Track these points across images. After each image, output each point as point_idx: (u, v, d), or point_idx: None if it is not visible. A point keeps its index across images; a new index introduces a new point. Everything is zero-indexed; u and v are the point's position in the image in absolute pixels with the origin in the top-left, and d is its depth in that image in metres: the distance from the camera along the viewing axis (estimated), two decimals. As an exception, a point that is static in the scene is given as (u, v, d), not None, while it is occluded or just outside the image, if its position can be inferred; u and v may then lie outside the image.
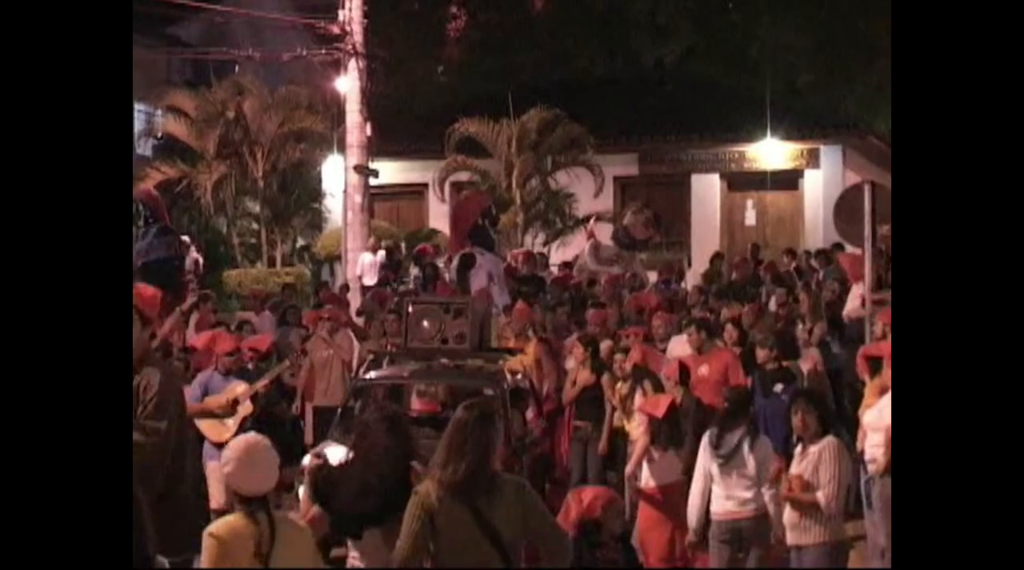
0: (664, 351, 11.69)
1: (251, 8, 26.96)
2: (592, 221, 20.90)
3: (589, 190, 23.35)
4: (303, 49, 24.27)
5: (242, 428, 9.44)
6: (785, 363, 10.51)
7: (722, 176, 25.99)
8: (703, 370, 10.58)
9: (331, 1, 23.00)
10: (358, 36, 22.34)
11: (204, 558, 4.92)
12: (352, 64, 22.49)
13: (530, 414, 11.16)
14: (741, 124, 24.89)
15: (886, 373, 8.26)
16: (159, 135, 27.48)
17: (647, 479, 8.90)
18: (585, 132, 23.11)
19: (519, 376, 10.88)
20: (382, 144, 23.90)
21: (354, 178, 22.55)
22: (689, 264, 23.04)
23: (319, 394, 12.68)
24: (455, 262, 16.71)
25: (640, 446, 8.93)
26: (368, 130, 22.69)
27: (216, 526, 4.98)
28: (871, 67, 27.89)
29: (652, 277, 18.67)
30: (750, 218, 25.85)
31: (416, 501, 5.18)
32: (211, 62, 27.07)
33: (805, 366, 10.86)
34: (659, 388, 9.99)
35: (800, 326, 11.49)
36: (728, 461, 7.89)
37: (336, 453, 9.45)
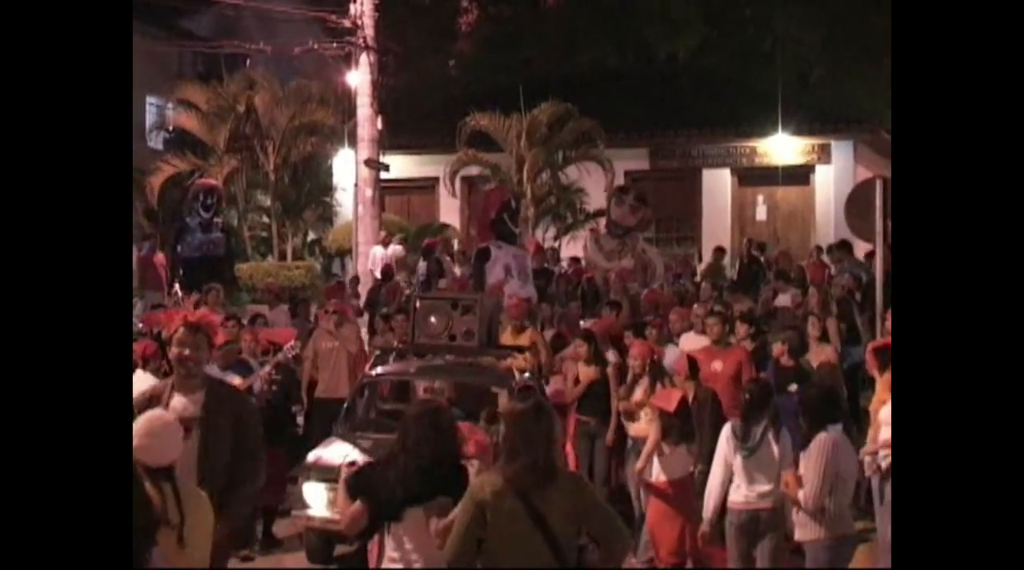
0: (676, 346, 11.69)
1: (263, 1, 26.93)
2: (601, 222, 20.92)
3: (599, 185, 23.29)
4: (314, 43, 24.30)
5: None
6: (799, 361, 10.52)
7: (733, 171, 25.98)
8: (716, 365, 10.58)
9: (342, -5, 23.05)
10: (369, 30, 22.35)
11: None
12: (363, 58, 22.52)
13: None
14: (752, 119, 24.90)
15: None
16: (170, 128, 27.60)
17: (658, 473, 8.91)
18: (596, 126, 23.05)
19: (527, 375, 10.71)
20: (393, 138, 23.93)
21: (365, 172, 22.57)
22: (700, 259, 22.99)
23: (322, 386, 12.54)
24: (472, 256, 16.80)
25: (651, 441, 8.94)
26: (379, 124, 22.72)
27: None
28: (883, 62, 27.80)
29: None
30: (761, 213, 25.82)
31: (468, 495, 5.16)
32: (222, 55, 27.04)
33: (814, 361, 10.86)
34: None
35: (810, 322, 11.45)
36: (753, 453, 7.91)
37: (340, 450, 9.51)
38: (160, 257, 21.01)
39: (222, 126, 24.68)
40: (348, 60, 23.33)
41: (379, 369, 11.11)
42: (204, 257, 18.66)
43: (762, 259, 19.66)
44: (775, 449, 7.90)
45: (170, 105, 28.54)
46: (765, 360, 10.90)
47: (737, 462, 7.97)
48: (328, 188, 26.65)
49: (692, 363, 9.92)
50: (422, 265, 19.27)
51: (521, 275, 16.20)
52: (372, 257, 21.35)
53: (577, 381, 11.15)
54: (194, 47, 29.66)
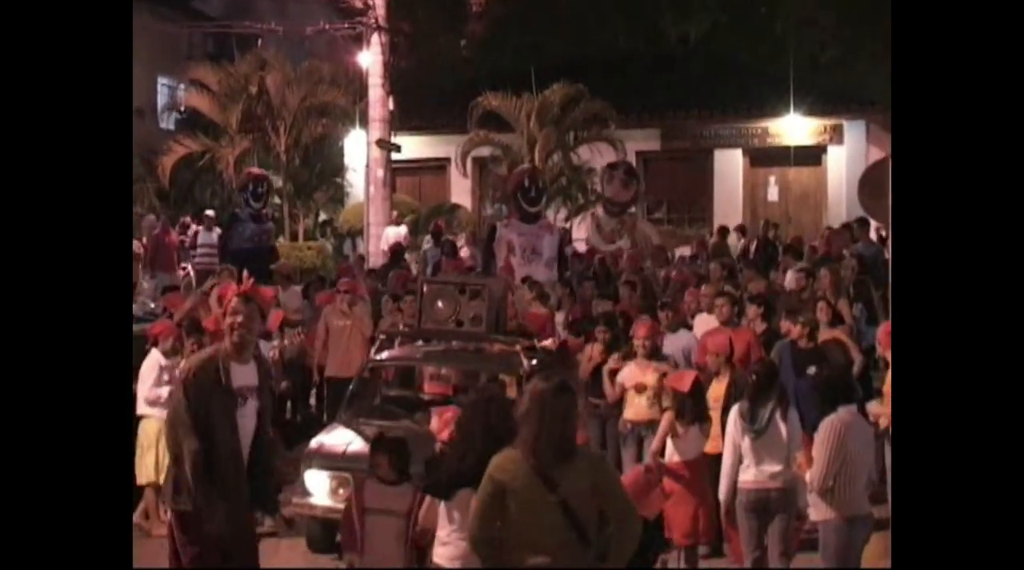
0: (690, 328, 11.68)
1: (274, -18, 27.00)
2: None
3: (611, 166, 23.30)
4: (326, 23, 24.31)
5: None
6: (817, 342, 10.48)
7: (745, 152, 25.95)
8: (711, 347, 10.48)
9: (354, -25, 23.01)
10: (381, 10, 22.31)
11: None
12: (375, 38, 22.48)
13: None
14: (764, 100, 24.88)
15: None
16: (182, 109, 27.64)
17: (671, 454, 8.92)
18: (608, 107, 23.02)
19: (534, 362, 10.35)
20: (404, 118, 23.93)
21: (376, 152, 22.57)
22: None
23: (334, 365, 12.46)
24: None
25: (665, 421, 8.95)
26: (390, 104, 22.72)
27: None
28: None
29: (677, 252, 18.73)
30: (773, 194, 25.78)
31: (487, 473, 5.21)
32: (234, 36, 27.12)
33: (820, 339, 10.80)
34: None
35: (819, 306, 11.41)
36: (760, 435, 7.91)
37: (343, 437, 9.35)
38: (173, 237, 21.07)
39: (234, 107, 24.67)
40: (359, 41, 23.30)
41: (384, 354, 10.88)
42: (255, 248, 18.00)
43: (776, 242, 19.66)
44: (783, 430, 7.91)
45: (182, 86, 28.60)
46: (774, 341, 10.85)
47: (745, 444, 7.98)
48: (339, 169, 26.69)
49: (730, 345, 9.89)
50: (433, 248, 19.25)
51: (529, 254, 16.12)
52: (385, 237, 21.35)
53: (590, 359, 11.07)
54: (205, 28, 29.68)
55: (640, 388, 9.94)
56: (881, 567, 8.16)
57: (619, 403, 10.22)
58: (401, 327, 11.73)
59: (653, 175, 26.00)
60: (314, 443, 9.49)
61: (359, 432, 9.37)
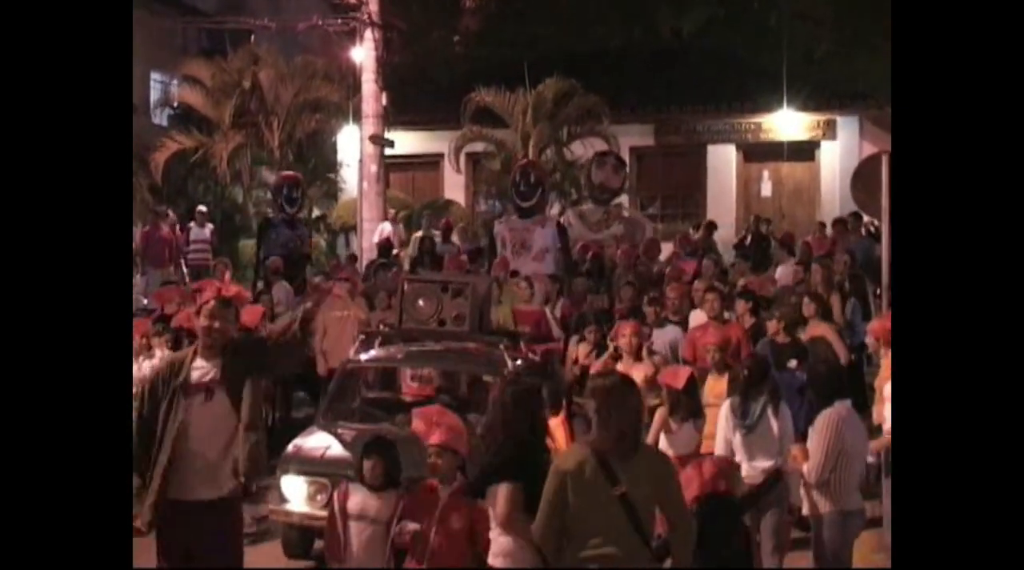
0: (678, 323, 11.68)
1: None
2: None
3: (604, 160, 23.28)
4: (319, 18, 24.28)
5: None
6: (796, 336, 10.50)
7: (738, 147, 25.97)
8: (711, 340, 10.51)
9: (347, -30, 22.99)
10: (374, 5, 22.28)
11: None
12: (368, 34, 22.45)
13: None
14: (757, 95, 24.90)
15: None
16: (175, 104, 27.56)
17: (665, 450, 8.93)
18: (601, 102, 23.07)
19: (519, 362, 10.19)
20: (398, 114, 23.91)
21: (370, 148, 22.55)
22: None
23: (333, 358, 12.16)
24: None
25: (659, 417, 8.96)
26: (384, 100, 22.69)
27: None
28: (889, 38, 27.65)
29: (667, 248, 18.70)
30: (766, 189, 25.84)
31: (552, 468, 5.33)
32: (227, 31, 27.10)
33: (806, 336, 10.80)
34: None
35: (804, 302, 11.40)
36: (752, 430, 7.95)
37: (321, 440, 9.07)
38: (166, 232, 21.01)
39: (227, 102, 24.73)
40: (353, 36, 23.30)
41: (364, 355, 10.48)
42: (290, 254, 17.41)
43: (770, 237, 19.68)
44: (774, 425, 7.94)
45: (175, 81, 28.52)
46: (761, 336, 10.85)
47: (737, 439, 8.01)
48: (333, 164, 26.67)
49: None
50: (442, 244, 19.10)
51: (518, 248, 16.12)
52: (380, 232, 21.35)
53: (577, 363, 11.04)
54: (199, 23, 29.56)
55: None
56: (870, 564, 8.22)
57: None
58: (381, 327, 11.32)
59: (647, 170, 26.02)
60: (291, 447, 9.13)
61: (337, 436, 9.13)
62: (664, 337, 11.14)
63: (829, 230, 18.26)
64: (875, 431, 8.78)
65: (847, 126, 24.92)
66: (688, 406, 8.84)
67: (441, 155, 25.19)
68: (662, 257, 17.23)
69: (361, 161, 22.90)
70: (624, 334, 10.13)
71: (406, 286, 10.56)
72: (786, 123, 25.03)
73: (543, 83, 23.21)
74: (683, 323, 11.76)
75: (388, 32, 23.12)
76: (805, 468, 7.32)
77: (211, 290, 6.51)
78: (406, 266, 17.52)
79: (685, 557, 5.37)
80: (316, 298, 6.37)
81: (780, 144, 25.03)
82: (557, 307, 13.29)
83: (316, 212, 26.70)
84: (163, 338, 10.43)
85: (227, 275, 14.28)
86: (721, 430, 8.14)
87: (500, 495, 5.76)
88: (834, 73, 28.06)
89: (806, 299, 11.31)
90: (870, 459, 8.78)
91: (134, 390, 6.35)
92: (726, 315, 11.28)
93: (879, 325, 9.45)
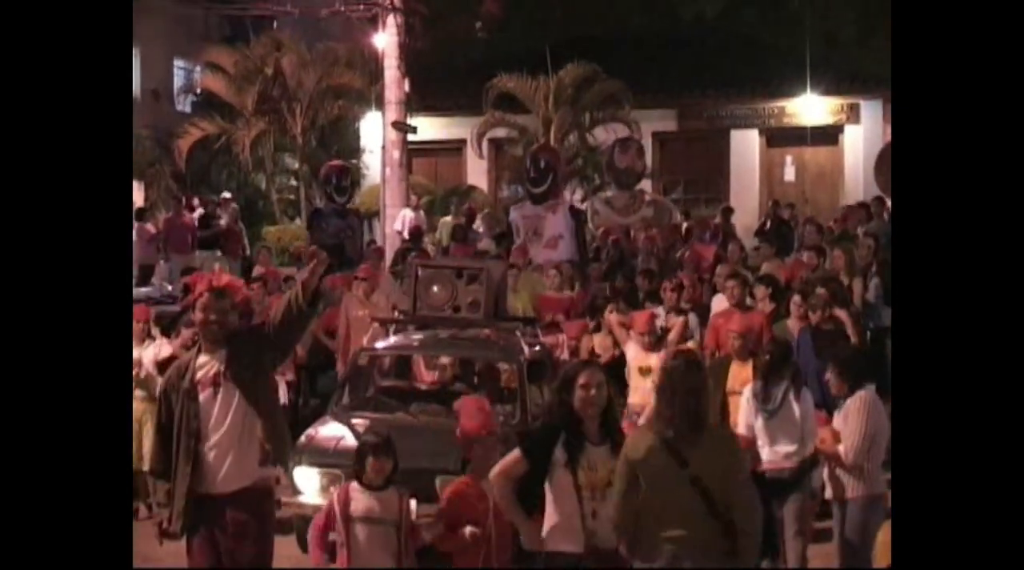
0: (694, 309, 11.68)
1: (289, -37, 26.91)
2: None
3: (627, 146, 23.27)
4: (341, 5, 24.23)
5: None
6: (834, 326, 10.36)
7: (761, 132, 25.96)
8: (735, 327, 10.49)
9: (369, -44, 23.00)
10: (395, -9, 22.30)
11: None
12: (390, 20, 22.42)
13: None
14: (780, 79, 24.91)
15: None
16: (198, 91, 27.73)
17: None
18: (623, 88, 23.06)
19: (536, 348, 10.12)
20: (420, 100, 23.88)
21: (392, 134, 22.56)
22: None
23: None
24: None
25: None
26: (406, 86, 22.67)
27: None
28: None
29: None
30: (789, 174, 25.84)
31: (622, 457, 5.34)
32: (249, 18, 27.13)
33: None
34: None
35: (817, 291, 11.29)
36: (774, 415, 7.92)
37: (334, 430, 8.93)
38: (187, 218, 21.10)
39: (249, 89, 24.90)
40: (375, 22, 23.26)
41: (378, 343, 10.38)
42: (341, 245, 17.20)
43: (793, 221, 19.59)
44: (796, 409, 7.91)
45: (198, 68, 28.67)
46: (780, 321, 10.71)
47: (759, 424, 8.00)
48: (355, 151, 26.76)
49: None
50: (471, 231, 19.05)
51: (531, 235, 16.05)
52: (401, 219, 21.39)
53: (591, 352, 10.91)
54: (221, 10, 29.60)
55: (645, 371, 9.89)
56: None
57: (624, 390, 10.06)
58: (396, 314, 11.19)
59: (669, 155, 26.02)
60: (304, 438, 8.97)
61: (351, 426, 8.97)
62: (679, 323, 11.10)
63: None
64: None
65: (871, 110, 24.83)
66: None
67: (463, 141, 25.33)
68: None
69: (384, 147, 22.91)
70: (639, 329, 10.13)
71: (420, 272, 10.35)
72: (809, 108, 25.00)
73: (564, 69, 23.23)
74: (700, 309, 11.76)
75: (410, 18, 23.09)
76: (841, 451, 7.32)
77: (203, 283, 6.39)
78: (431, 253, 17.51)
79: (753, 548, 5.38)
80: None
81: (803, 129, 24.99)
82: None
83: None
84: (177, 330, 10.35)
85: (266, 257, 14.35)
86: (743, 414, 8.14)
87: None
88: (858, 57, 27.93)
89: (819, 289, 11.21)
90: None
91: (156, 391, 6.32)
92: (748, 302, 11.22)
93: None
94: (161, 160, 25.44)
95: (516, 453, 5.68)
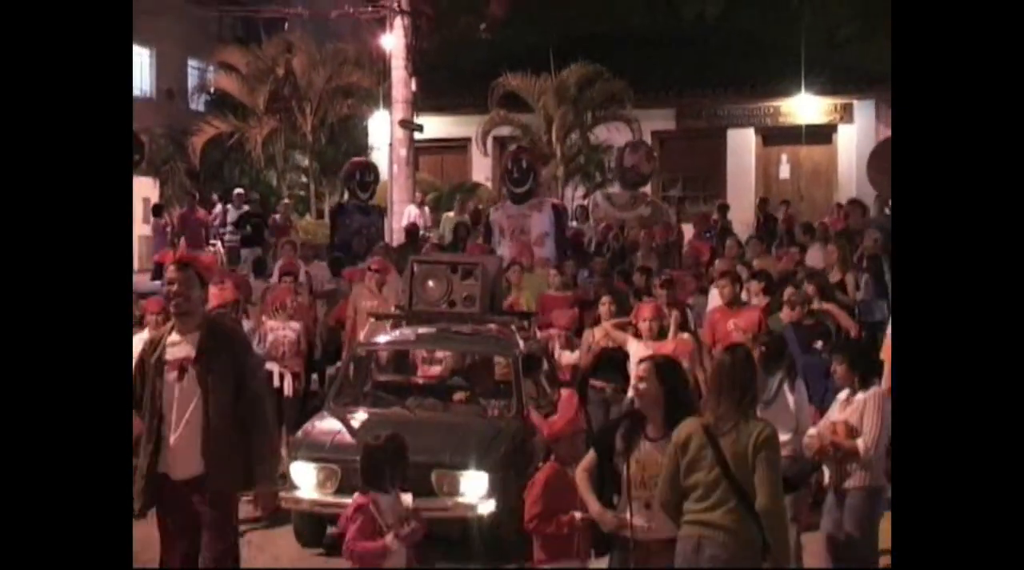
0: (690, 305, 11.81)
1: (299, -33, 27.45)
2: None
3: (627, 144, 23.64)
4: (350, 7, 24.70)
5: None
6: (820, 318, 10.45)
7: (757, 131, 26.31)
8: (731, 324, 10.54)
9: (377, -40, 23.44)
10: (403, -7, 22.75)
11: None
12: (398, 21, 22.83)
13: None
14: (776, 79, 25.14)
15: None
16: (211, 90, 28.18)
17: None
18: (624, 87, 23.28)
19: (531, 343, 10.02)
20: (426, 99, 24.29)
21: (399, 132, 22.94)
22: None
23: None
24: None
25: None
26: (413, 85, 23.03)
27: None
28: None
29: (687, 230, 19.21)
30: (784, 172, 26.13)
31: (671, 444, 5.52)
32: (261, 19, 27.58)
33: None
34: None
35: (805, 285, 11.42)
36: (769, 406, 7.76)
37: (331, 425, 8.91)
38: (200, 214, 21.57)
39: (261, 88, 25.33)
40: (383, 23, 23.65)
41: (375, 338, 10.28)
42: (364, 241, 17.11)
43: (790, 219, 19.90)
44: (791, 400, 7.93)
45: (211, 68, 29.12)
46: (773, 314, 10.73)
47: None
48: (364, 148, 27.00)
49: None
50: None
51: (518, 235, 15.94)
52: (407, 216, 21.81)
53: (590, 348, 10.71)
54: (234, 11, 30.04)
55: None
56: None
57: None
58: (393, 309, 11.13)
59: (668, 154, 26.09)
60: (301, 432, 8.89)
61: (347, 421, 8.92)
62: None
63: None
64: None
65: (864, 110, 25.17)
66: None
67: (469, 139, 25.49)
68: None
69: (391, 145, 23.28)
70: (644, 316, 10.13)
71: (415, 267, 10.27)
72: (804, 107, 25.29)
73: (567, 68, 23.43)
74: (698, 303, 11.92)
75: (417, 19, 23.44)
76: (860, 445, 7.35)
77: (169, 257, 6.45)
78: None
79: (785, 550, 5.43)
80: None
81: (798, 128, 25.27)
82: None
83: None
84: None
85: (290, 251, 14.55)
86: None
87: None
88: (854, 57, 28.22)
89: (806, 284, 11.10)
90: None
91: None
92: (743, 297, 11.20)
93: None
94: (175, 157, 25.95)
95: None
